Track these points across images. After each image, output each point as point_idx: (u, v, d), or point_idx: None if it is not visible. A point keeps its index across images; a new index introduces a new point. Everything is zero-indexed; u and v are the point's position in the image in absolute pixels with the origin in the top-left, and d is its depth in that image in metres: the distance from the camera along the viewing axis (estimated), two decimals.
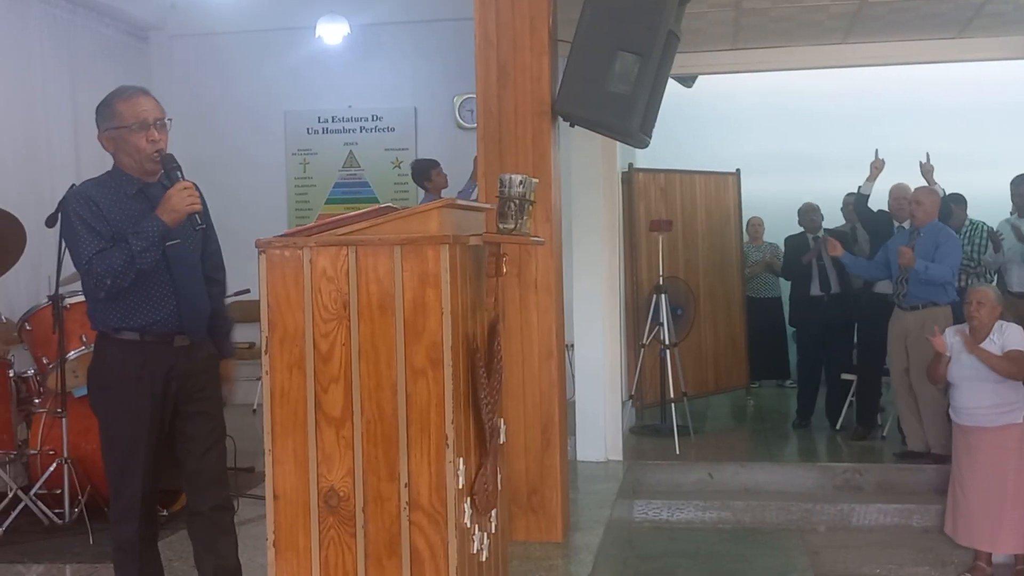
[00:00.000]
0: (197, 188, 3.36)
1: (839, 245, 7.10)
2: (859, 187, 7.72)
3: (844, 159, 9.37)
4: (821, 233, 8.05)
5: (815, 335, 8.08)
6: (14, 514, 4.95)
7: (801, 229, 8.42)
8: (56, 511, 5.05)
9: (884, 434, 7.53)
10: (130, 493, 3.42)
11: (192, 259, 3.49)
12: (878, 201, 7.64)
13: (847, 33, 7.09)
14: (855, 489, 6.68)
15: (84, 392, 5.32)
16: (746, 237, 9.76)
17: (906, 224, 7.19)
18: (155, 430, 3.41)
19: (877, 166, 7.41)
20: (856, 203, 7.81)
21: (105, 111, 3.43)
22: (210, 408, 3.55)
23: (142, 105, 3.40)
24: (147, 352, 3.38)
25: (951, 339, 5.78)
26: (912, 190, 7.22)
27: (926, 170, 7.31)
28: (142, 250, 3.24)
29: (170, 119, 3.46)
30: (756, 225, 9.82)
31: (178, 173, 3.36)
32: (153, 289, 3.36)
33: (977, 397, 5.60)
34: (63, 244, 5.08)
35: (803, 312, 8.24)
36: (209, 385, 3.56)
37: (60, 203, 3.65)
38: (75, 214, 3.31)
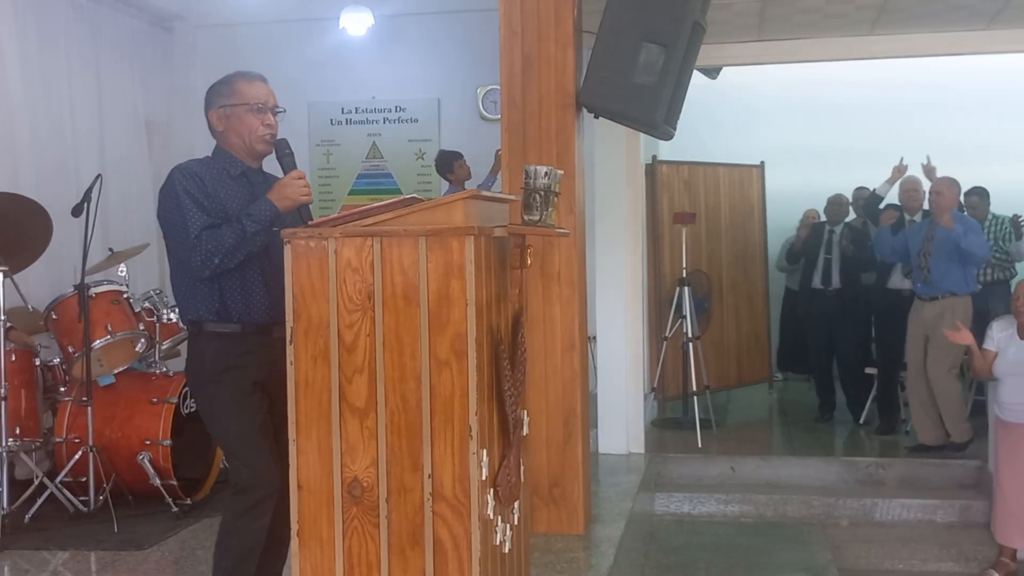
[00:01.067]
0: None
1: (896, 214, 7.04)
2: (875, 189, 7.72)
3: (870, 152, 9.32)
4: (839, 228, 7.99)
5: (820, 328, 8.03)
6: (40, 501, 5.00)
7: (823, 219, 8.38)
8: (81, 499, 5.09)
9: (908, 429, 7.49)
10: (264, 491, 3.23)
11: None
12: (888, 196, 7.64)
13: (874, 25, 7.03)
14: (878, 483, 6.65)
15: (110, 381, 5.39)
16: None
17: (917, 217, 7.20)
18: (267, 415, 3.28)
19: (901, 171, 7.45)
20: (868, 202, 7.80)
21: (223, 88, 3.40)
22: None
23: (262, 89, 3.41)
24: (248, 344, 3.28)
25: (999, 333, 5.72)
26: (920, 183, 7.26)
27: (928, 171, 7.31)
28: (254, 233, 3.18)
29: (283, 110, 3.45)
30: (812, 218, 9.71)
31: (291, 160, 3.34)
32: (254, 273, 3.29)
33: (1021, 393, 5.54)
34: (89, 232, 5.15)
35: (807, 304, 8.20)
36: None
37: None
38: (182, 188, 3.21)
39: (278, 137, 3.40)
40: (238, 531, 3.27)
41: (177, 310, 3.51)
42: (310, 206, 3.33)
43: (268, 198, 3.25)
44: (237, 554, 3.27)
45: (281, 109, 3.44)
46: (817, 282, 7.99)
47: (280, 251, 3.27)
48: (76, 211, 5.14)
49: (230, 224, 3.19)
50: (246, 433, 3.26)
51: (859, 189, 8.53)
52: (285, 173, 3.32)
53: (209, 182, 3.27)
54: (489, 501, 2.75)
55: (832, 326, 7.91)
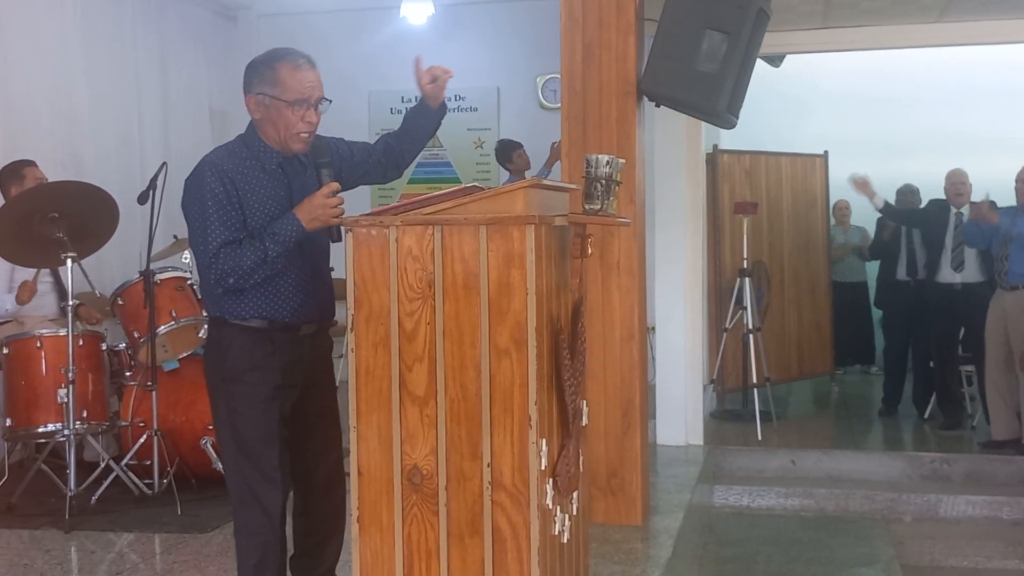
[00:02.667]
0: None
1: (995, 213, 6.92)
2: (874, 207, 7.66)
3: (937, 142, 9.17)
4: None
5: (900, 320, 7.93)
6: (106, 484, 5.09)
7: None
8: (146, 481, 5.18)
9: (974, 424, 7.35)
10: (268, 501, 3.10)
11: (323, 237, 3.18)
12: (935, 189, 7.51)
13: (943, 11, 6.88)
14: (943, 479, 6.54)
15: (174, 366, 5.47)
16: (832, 220, 9.60)
17: (964, 210, 7.10)
18: (284, 424, 3.14)
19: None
20: (886, 212, 7.71)
21: (266, 73, 3.11)
22: (331, 404, 3.30)
23: (308, 80, 3.11)
24: (275, 342, 3.11)
25: None
26: (966, 175, 7.12)
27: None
28: (276, 255, 2.99)
29: (329, 100, 3.17)
30: (843, 208, 9.65)
31: (329, 172, 3.10)
32: (287, 272, 3.10)
33: None
34: (154, 220, 5.23)
35: (888, 296, 8.09)
36: (331, 378, 3.34)
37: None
38: (210, 193, 2.99)
39: (317, 134, 3.18)
40: (253, 550, 3.13)
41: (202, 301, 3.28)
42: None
43: (296, 216, 3.00)
44: (256, 573, 3.14)
45: (327, 100, 3.16)
46: (903, 274, 7.87)
47: (315, 248, 3.19)
48: (142, 199, 5.22)
49: (252, 243, 2.98)
50: (258, 439, 3.09)
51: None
52: (319, 184, 3.09)
53: (241, 182, 3.05)
54: (548, 491, 2.74)
55: (914, 317, 7.79)
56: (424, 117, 3.48)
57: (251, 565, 3.14)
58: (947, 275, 7.25)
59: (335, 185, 3.07)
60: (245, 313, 3.09)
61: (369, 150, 3.43)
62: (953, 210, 7.26)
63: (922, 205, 8.06)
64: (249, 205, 3.06)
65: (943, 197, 7.44)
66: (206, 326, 5.49)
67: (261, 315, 3.10)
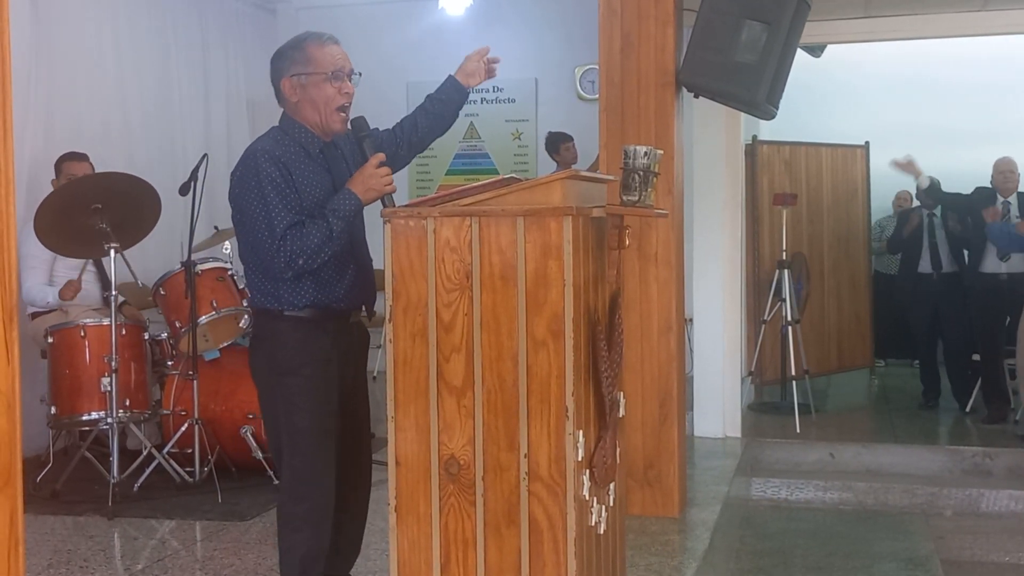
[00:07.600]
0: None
1: (998, 211, 6.88)
2: (917, 187, 7.55)
3: (980, 132, 9.04)
4: (938, 210, 7.78)
5: (926, 314, 7.84)
6: (148, 471, 5.15)
7: (917, 203, 8.18)
8: (187, 469, 5.24)
9: (1017, 418, 7.26)
10: (320, 496, 3.11)
11: (362, 224, 3.21)
12: (979, 179, 7.40)
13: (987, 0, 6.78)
14: (984, 474, 6.46)
15: (215, 355, 5.53)
16: (891, 211, 9.50)
17: (1012, 199, 7.00)
18: (338, 417, 3.15)
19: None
20: (930, 193, 7.58)
21: (295, 55, 3.12)
22: (366, 398, 3.33)
23: (337, 52, 3.14)
24: (328, 332, 3.12)
25: None
26: (1015, 164, 7.05)
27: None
28: (340, 231, 2.98)
29: (360, 73, 3.21)
30: (904, 199, 9.50)
31: (367, 144, 3.10)
32: (342, 257, 3.12)
33: None
34: (195, 211, 5.28)
35: (911, 290, 8.00)
36: (365, 374, 3.35)
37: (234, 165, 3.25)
38: (268, 178, 2.98)
39: (353, 114, 3.18)
40: (299, 544, 3.09)
41: (248, 293, 3.27)
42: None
43: (352, 190, 3.02)
44: (302, 567, 3.10)
45: (357, 73, 3.20)
46: (926, 267, 7.80)
47: (358, 229, 3.21)
48: (183, 190, 5.27)
49: (315, 221, 2.98)
50: (315, 433, 3.08)
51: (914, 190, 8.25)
52: (365, 157, 3.08)
53: (291, 163, 3.05)
54: (585, 482, 2.75)
55: (938, 311, 7.72)
56: (457, 92, 3.48)
57: (297, 559, 3.11)
58: (992, 264, 7.16)
59: (381, 156, 3.07)
60: (301, 301, 3.08)
61: (394, 138, 3.42)
62: (1000, 199, 7.17)
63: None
64: (302, 189, 3.06)
65: (990, 185, 7.34)
66: (246, 316, 5.59)
67: (315, 303, 3.09)
